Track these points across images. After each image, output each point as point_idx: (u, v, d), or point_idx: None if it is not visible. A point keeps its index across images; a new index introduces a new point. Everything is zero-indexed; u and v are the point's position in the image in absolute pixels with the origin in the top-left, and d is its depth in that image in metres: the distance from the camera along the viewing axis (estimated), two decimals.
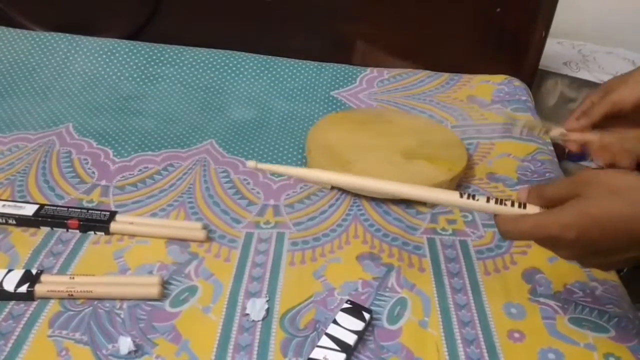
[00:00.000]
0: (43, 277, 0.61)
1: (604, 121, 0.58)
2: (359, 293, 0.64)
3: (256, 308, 0.60)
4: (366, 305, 0.62)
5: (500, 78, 1.10)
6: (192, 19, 1.15)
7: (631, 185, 0.42)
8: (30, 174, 0.80)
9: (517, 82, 1.10)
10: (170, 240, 0.69)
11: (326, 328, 0.58)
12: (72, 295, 0.60)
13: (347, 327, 0.57)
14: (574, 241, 0.44)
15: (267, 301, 0.61)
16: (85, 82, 1.04)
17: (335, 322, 0.58)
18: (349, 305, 0.60)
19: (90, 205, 0.75)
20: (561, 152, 1.26)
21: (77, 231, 0.70)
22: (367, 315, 0.59)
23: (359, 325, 0.58)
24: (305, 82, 1.08)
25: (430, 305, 0.63)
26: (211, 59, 1.09)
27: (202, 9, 1.13)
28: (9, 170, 0.80)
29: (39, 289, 0.60)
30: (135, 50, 1.10)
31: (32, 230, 0.70)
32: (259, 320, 0.60)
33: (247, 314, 0.60)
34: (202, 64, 1.09)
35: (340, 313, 0.59)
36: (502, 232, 0.49)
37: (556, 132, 0.63)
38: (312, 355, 0.54)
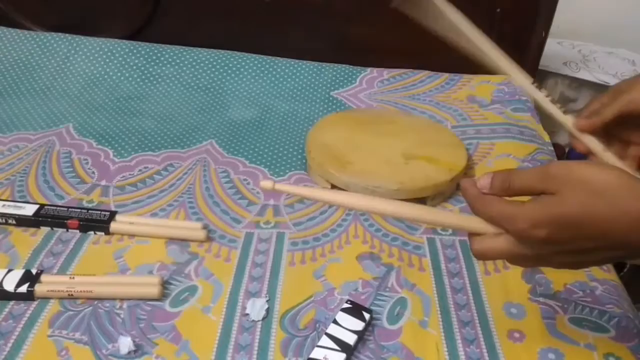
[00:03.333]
0: (43, 277, 0.61)
1: (615, 123, 0.55)
2: (359, 293, 0.64)
3: (256, 308, 0.60)
4: (366, 305, 0.62)
5: (500, 78, 1.10)
6: (192, 19, 1.15)
7: (610, 184, 0.40)
8: (30, 174, 0.80)
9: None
10: (170, 240, 0.69)
11: (326, 328, 0.58)
12: (72, 295, 0.60)
13: (347, 327, 0.58)
14: (544, 240, 0.41)
15: (267, 301, 0.62)
16: (85, 82, 1.04)
17: (335, 322, 0.58)
18: (349, 305, 0.60)
19: (90, 205, 0.75)
20: (561, 152, 1.26)
21: (77, 231, 0.70)
22: (367, 315, 0.59)
23: (359, 325, 0.58)
24: (305, 82, 1.08)
25: (430, 305, 0.63)
26: (211, 59, 1.09)
27: (202, 9, 1.13)
28: (9, 170, 0.80)
29: (39, 288, 0.60)
30: (135, 50, 1.10)
31: (32, 230, 0.70)
32: (258, 320, 0.60)
33: (247, 314, 0.60)
34: (202, 64, 1.09)
35: (340, 313, 0.59)
36: (476, 254, 0.46)
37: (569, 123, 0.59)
38: (312, 355, 0.54)
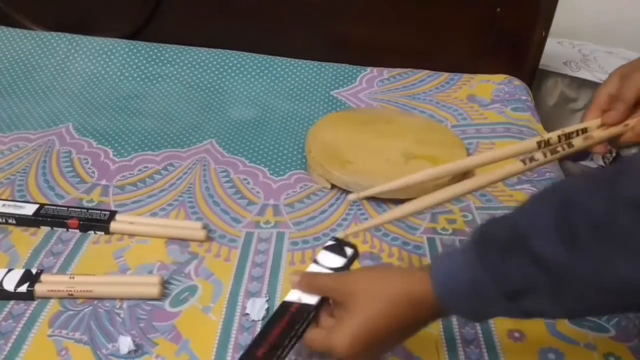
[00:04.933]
0: (43, 277, 0.61)
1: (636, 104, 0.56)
2: None
3: (256, 308, 0.60)
4: None
5: (500, 78, 1.10)
6: (192, 19, 1.15)
7: (389, 290, 0.47)
8: (30, 173, 0.80)
9: (517, 82, 1.10)
10: (170, 240, 0.69)
11: None
12: (72, 294, 0.60)
13: (327, 265, 0.54)
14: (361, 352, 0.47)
15: (267, 301, 0.61)
16: (85, 82, 1.04)
17: (315, 261, 0.55)
18: (333, 242, 0.56)
19: (90, 205, 0.75)
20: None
21: (77, 231, 0.70)
22: (349, 251, 0.56)
23: (339, 262, 0.55)
24: (305, 82, 1.08)
25: None
26: (211, 59, 1.09)
27: (202, 9, 1.13)
28: (9, 170, 0.80)
29: (39, 288, 0.60)
30: (135, 50, 1.10)
31: (32, 229, 0.70)
32: (259, 320, 0.59)
33: (247, 314, 0.60)
34: (202, 64, 1.09)
35: (323, 252, 0.56)
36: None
37: (580, 138, 0.59)
38: (287, 298, 0.52)
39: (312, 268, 0.55)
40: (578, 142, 0.57)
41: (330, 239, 0.57)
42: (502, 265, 0.42)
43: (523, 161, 0.57)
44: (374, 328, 0.47)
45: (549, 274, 0.40)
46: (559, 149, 0.57)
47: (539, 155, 0.56)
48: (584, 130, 0.58)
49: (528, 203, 0.45)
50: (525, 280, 0.41)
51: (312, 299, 0.51)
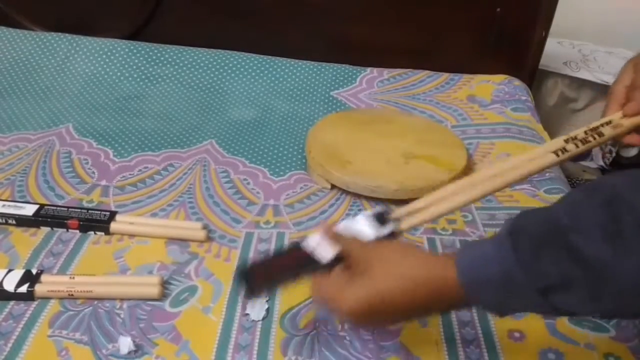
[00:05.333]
0: (43, 277, 0.61)
1: None
2: None
3: (256, 308, 0.60)
4: None
5: (500, 78, 1.10)
6: (192, 19, 1.15)
7: (409, 268, 0.47)
8: (30, 174, 0.80)
9: (517, 82, 1.10)
10: (170, 240, 0.69)
11: (326, 328, 0.58)
12: (72, 295, 0.60)
13: (359, 227, 0.53)
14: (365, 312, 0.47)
15: (267, 301, 0.61)
16: (85, 82, 1.04)
17: (353, 216, 0.54)
18: (381, 211, 0.55)
19: (90, 205, 0.75)
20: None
21: (77, 231, 0.70)
22: (387, 229, 0.53)
23: (371, 232, 0.53)
24: (305, 82, 1.08)
25: None
26: (211, 59, 1.09)
27: (202, 9, 1.13)
28: (9, 170, 0.80)
29: (39, 288, 0.60)
30: (135, 50, 1.10)
31: (32, 230, 0.70)
32: (258, 320, 0.59)
33: (247, 314, 0.60)
34: (202, 64, 1.09)
35: (366, 214, 0.55)
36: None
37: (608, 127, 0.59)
38: (302, 243, 0.52)
39: (346, 222, 0.54)
40: (607, 131, 0.57)
41: (380, 207, 0.56)
42: (537, 260, 0.41)
43: (555, 153, 0.56)
44: (382, 300, 0.46)
45: (588, 270, 0.39)
46: (590, 139, 0.56)
47: (570, 147, 0.56)
48: (609, 123, 0.57)
49: (567, 199, 0.44)
50: (561, 276, 0.41)
51: (325, 255, 0.51)
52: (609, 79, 1.23)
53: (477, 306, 0.49)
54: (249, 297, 0.52)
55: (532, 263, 0.42)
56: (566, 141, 0.57)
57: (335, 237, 0.52)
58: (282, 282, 0.50)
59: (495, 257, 0.43)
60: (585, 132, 0.57)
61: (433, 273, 0.46)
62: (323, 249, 0.51)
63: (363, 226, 0.54)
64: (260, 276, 0.50)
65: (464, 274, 0.44)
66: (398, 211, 0.55)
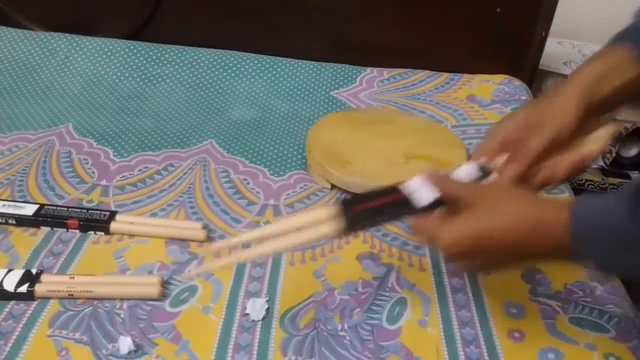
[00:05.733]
0: (43, 277, 0.61)
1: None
2: (359, 293, 0.64)
3: (256, 308, 0.60)
4: (366, 305, 0.62)
5: (500, 78, 1.10)
6: (192, 19, 1.15)
7: (516, 207, 0.46)
8: (30, 174, 0.80)
9: (517, 82, 1.10)
10: (171, 240, 0.69)
11: (326, 328, 0.58)
12: (72, 295, 0.60)
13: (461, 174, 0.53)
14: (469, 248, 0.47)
15: (267, 301, 0.61)
16: (85, 82, 1.04)
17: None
18: (482, 166, 0.54)
19: (90, 205, 0.75)
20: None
21: (77, 231, 0.70)
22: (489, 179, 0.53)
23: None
24: (305, 82, 1.08)
25: (430, 305, 0.63)
26: (211, 59, 1.09)
27: (202, 9, 1.13)
28: (9, 170, 0.80)
29: (39, 288, 0.60)
30: (135, 50, 1.10)
31: (32, 230, 0.70)
32: (258, 320, 0.59)
33: (247, 314, 0.60)
34: (202, 64, 1.09)
35: (471, 164, 0.54)
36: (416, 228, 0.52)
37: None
38: (400, 186, 0.52)
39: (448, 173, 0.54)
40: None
41: (478, 163, 0.54)
42: None
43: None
44: (485, 236, 0.45)
45: None
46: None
47: None
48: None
49: None
50: None
51: (426, 198, 0.50)
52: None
53: (583, 258, 0.46)
54: (347, 233, 0.52)
55: None
56: None
57: (438, 180, 0.51)
58: (378, 222, 0.49)
59: (614, 211, 0.41)
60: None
61: (541, 215, 0.44)
62: (424, 192, 0.50)
63: (466, 176, 0.53)
64: (357, 213, 0.50)
65: (577, 221, 0.42)
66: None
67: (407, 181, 0.52)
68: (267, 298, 0.62)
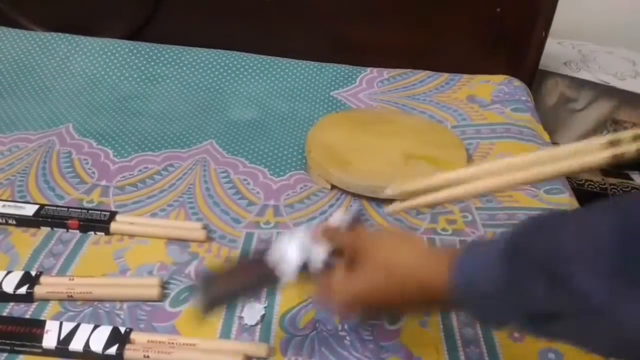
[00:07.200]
0: (42, 279, 0.61)
1: None
2: None
3: (251, 312, 0.60)
4: None
5: (500, 78, 1.10)
6: (192, 19, 1.15)
7: (400, 268, 0.47)
8: (30, 174, 0.80)
9: (517, 82, 1.10)
10: (170, 240, 0.69)
11: (326, 328, 0.58)
12: (71, 296, 0.60)
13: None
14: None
15: (265, 307, 0.61)
16: (85, 82, 1.04)
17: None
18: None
19: (90, 206, 0.75)
20: None
21: (77, 231, 0.70)
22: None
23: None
24: (305, 82, 1.08)
25: None
26: (211, 59, 1.09)
27: (202, 9, 1.13)
28: (9, 170, 0.80)
29: (38, 290, 0.60)
30: (135, 50, 1.10)
31: (32, 230, 0.70)
32: (252, 325, 0.59)
33: (242, 317, 0.60)
34: (202, 64, 1.09)
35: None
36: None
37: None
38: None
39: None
40: None
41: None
42: (529, 283, 0.38)
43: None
44: (373, 295, 0.47)
45: (579, 305, 0.35)
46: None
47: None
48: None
49: (581, 216, 0.40)
50: (550, 305, 0.37)
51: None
52: (609, 79, 1.23)
53: (464, 311, 0.48)
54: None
55: (524, 286, 0.38)
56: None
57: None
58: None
59: (491, 274, 0.41)
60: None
61: (424, 276, 0.45)
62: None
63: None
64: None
65: (458, 281, 0.43)
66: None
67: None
68: (266, 304, 0.62)
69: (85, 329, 0.56)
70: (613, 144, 0.46)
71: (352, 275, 0.48)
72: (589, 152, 0.47)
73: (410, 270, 0.46)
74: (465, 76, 1.11)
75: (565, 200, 0.80)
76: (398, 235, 0.52)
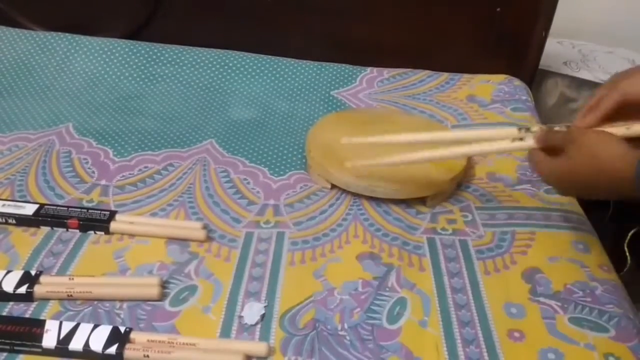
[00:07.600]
0: (42, 278, 0.61)
1: (615, 114, 0.60)
2: (359, 293, 0.64)
3: (251, 312, 0.60)
4: (366, 305, 0.62)
5: (500, 78, 1.10)
6: (192, 19, 1.15)
7: (610, 154, 0.56)
8: (30, 173, 0.80)
9: (517, 82, 1.10)
10: (170, 240, 0.69)
11: (326, 328, 0.58)
12: (71, 296, 0.60)
13: None
14: (555, 180, 0.64)
15: (265, 307, 0.61)
16: (85, 82, 1.04)
17: None
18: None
19: (90, 205, 0.75)
20: None
21: (77, 231, 0.70)
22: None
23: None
24: (305, 82, 1.08)
25: (430, 305, 0.63)
26: (211, 59, 1.09)
27: (202, 9, 1.13)
28: (9, 170, 0.80)
29: (38, 289, 0.60)
30: (135, 50, 1.10)
31: (32, 230, 0.70)
32: (252, 325, 0.59)
33: (241, 317, 0.60)
34: (202, 64, 1.09)
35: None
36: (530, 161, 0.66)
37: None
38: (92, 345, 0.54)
39: None
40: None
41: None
42: None
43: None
44: (572, 177, 0.59)
45: None
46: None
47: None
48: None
49: None
50: None
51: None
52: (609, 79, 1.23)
53: None
54: None
55: None
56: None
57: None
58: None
59: None
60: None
61: (615, 173, 0.55)
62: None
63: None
64: None
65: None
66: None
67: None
68: (266, 304, 0.62)
69: (85, 328, 0.56)
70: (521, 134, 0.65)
71: (559, 157, 0.59)
72: (499, 139, 0.67)
73: (603, 170, 0.56)
74: (466, 76, 1.11)
75: (566, 200, 0.80)
76: (607, 141, 0.58)
